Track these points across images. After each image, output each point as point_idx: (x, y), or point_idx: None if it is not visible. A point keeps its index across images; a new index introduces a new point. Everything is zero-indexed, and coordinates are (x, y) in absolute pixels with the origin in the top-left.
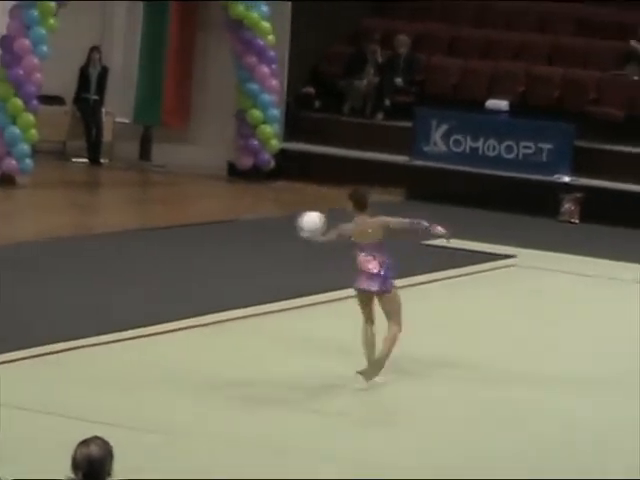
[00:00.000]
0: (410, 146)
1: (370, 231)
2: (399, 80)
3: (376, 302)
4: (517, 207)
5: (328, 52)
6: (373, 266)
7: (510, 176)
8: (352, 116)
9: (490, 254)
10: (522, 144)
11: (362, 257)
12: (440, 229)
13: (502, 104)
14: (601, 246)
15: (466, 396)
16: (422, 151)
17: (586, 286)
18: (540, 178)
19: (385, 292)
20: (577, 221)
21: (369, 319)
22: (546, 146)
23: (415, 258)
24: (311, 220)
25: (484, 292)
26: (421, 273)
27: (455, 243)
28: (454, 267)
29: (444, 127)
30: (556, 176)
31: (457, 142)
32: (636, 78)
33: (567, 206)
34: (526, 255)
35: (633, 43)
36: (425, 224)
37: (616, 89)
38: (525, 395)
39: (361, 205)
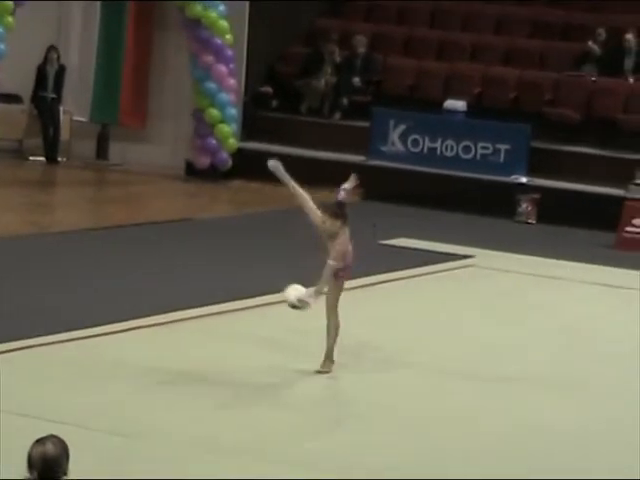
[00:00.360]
0: (367, 146)
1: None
2: (357, 80)
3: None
4: (475, 207)
5: (285, 52)
6: None
7: (468, 176)
8: (309, 116)
9: (448, 254)
10: (480, 144)
11: None
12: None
13: (459, 104)
14: (558, 246)
15: (417, 393)
16: (380, 151)
17: (542, 287)
18: (497, 179)
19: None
20: (534, 221)
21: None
22: (503, 147)
23: (373, 258)
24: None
25: (442, 292)
26: (379, 272)
27: (413, 243)
28: (412, 267)
29: (402, 127)
30: (513, 177)
31: (415, 142)
32: (593, 79)
33: (524, 206)
34: (484, 255)
35: (590, 44)
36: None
37: (572, 90)
38: (476, 393)
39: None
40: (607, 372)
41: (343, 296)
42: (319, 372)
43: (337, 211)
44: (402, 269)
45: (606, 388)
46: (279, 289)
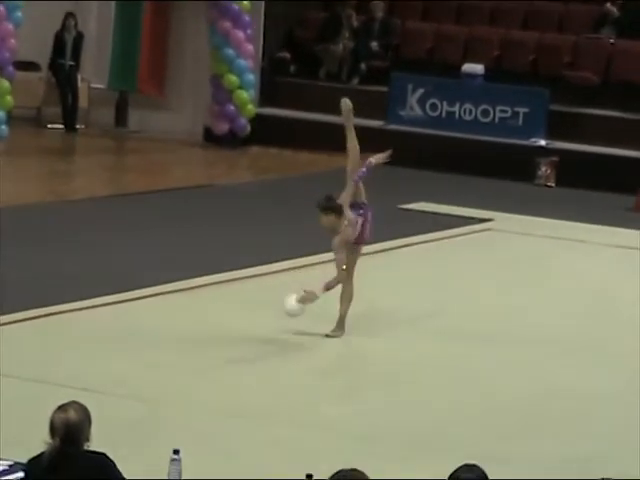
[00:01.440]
0: (386, 111)
1: None
2: (375, 45)
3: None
4: (494, 171)
5: (303, 16)
6: None
7: (486, 140)
8: (328, 81)
9: (467, 218)
10: (498, 108)
11: None
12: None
13: (478, 68)
14: (577, 210)
15: (434, 355)
16: (398, 116)
17: (562, 249)
18: (516, 142)
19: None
20: (553, 184)
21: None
22: (522, 110)
23: (392, 223)
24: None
25: (461, 256)
26: (398, 237)
27: (432, 207)
28: (431, 231)
29: (420, 91)
30: (532, 140)
31: (433, 106)
32: (611, 41)
33: (543, 170)
34: (503, 219)
35: (608, 6)
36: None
37: (591, 53)
38: (496, 357)
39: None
40: (628, 334)
41: (363, 260)
42: (327, 336)
43: (327, 205)
44: (421, 233)
45: (628, 350)
46: (299, 254)
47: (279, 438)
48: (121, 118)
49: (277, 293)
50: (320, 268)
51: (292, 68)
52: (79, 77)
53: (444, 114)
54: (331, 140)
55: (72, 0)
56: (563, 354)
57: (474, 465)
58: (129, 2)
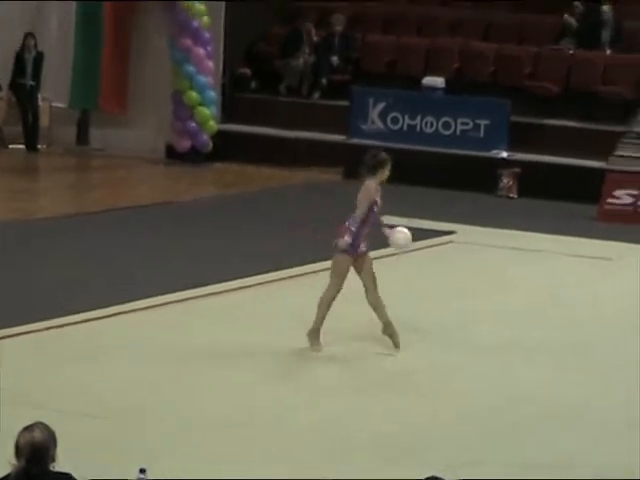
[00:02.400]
0: (348, 125)
1: (359, 195)
2: (335, 59)
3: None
4: (455, 183)
5: (263, 32)
6: (344, 228)
7: (448, 152)
8: (289, 96)
9: (429, 231)
10: (460, 120)
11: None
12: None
13: (438, 81)
14: (540, 220)
15: (404, 365)
16: (360, 129)
17: (525, 260)
18: (478, 154)
19: (339, 252)
20: (515, 196)
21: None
22: (483, 122)
23: None
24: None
25: (423, 268)
26: None
27: (394, 220)
28: None
29: (381, 105)
30: (494, 151)
31: (394, 120)
32: (571, 52)
33: (505, 181)
34: (465, 231)
35: (567, 17)
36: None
37: (551, 63)
38: (460, 364)
39: (367, 168)
40: (590, 343)
41: (323, 276)
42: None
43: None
44: (383, 247)
45: (589, 357)
46: (267, 269)
47: (258, 452)
48: (83, 136)
49: (248, 308)
50: (291, 282)
51: (253, 84)
52: (40, 96)
53: (405, 127)
54: (293, 155)
55: (32, 18)
56: (526, 361)
57: (440, 478)
58: (89, 21)
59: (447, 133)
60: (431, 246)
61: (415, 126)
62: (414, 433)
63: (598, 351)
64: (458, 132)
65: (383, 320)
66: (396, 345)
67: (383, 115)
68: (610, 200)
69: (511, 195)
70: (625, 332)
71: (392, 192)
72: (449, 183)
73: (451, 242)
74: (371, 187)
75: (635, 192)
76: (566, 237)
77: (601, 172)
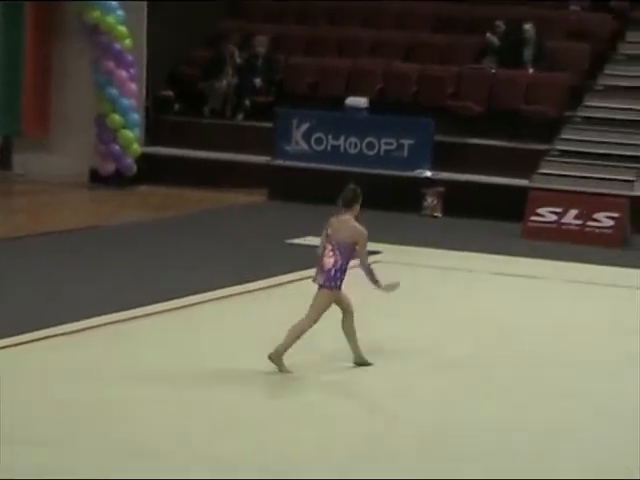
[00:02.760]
0: (272, 146)
1: (346, 231)
2: (258, 81)
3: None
4: (380, 203)
5: (187, 54)
6: (328, 262)
7: (372, 173)
8: (212, 118)
9: None
10: (383, 140)
11: (326, 251)
12: (383, 288)
13: (361, 101)
14: (464, 239)
15: (337, 385)
16: (284, 151)
17: (451, 279)
18: (402, 174)
19: (325, 288)
20: (440, 215)
21: (310, 321)
22: (407, 142)
23: (280, 258)
24: None
25: (350, 289)
26: (285, 272)
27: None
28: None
29: (305, 126)
30: (418, 171)
31: (318, 140)
32: (493, 71)
33: (429, 200)
34: (391, 251)
35: (489, 36)
36: (375, 279)
37: (474, 83)
38: (388, 387)
39: (345, 202)
40: (518, 363)
41: (254, 296)
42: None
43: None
44: (310, 268)
45: (517, 379)
46: (195, 291)
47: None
48: (5, 161)
49: (173, 331)
50: (217, 304)
51: (176, 106)
52: None
53: (329, 148)
54: (218, 177)
55: None
56: (454, 384)
57: None
58: (9, 44)
59: (371, 153)
60: (358, 266)
61: (339, 146)
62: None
63: (529, 367)
64: (382, 152)
65: (355, 350)
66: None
67: (307, 136)
68: (533, 218)
69: (435, 214)
70: (556, 347)
71: (316, 213)
72: (374, 203)
73: (377, 262)
74: (361, 228)
75: (558, 209)
76: (491, 255)
77: (525, 190)
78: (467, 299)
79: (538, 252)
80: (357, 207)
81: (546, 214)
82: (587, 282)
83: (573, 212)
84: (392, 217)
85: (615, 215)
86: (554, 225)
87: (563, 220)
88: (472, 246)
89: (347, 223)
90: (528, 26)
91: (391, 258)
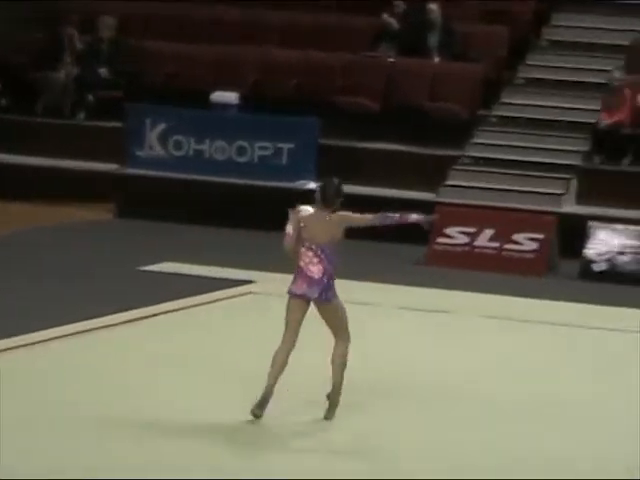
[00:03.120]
0: (120, 151)
1: (328, 231)
2: (104, 71)
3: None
4: (254, 221)
5: (16, 39)
6: (317, 270)
7: (245, 183)
8: (47, 116)
9: (223, 280)
10: (257, 144)
11: (307, 258)
12: (415, 217)
13: (231, 96)
14: (358, 265)
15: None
16: (135, 157)
17: None
18: (280, 185)
19: (326, 301)
20: None
21: (292, 336)
22: (286, 146)
23: (130, 288)
24: None
25: (215, 325)
26: (139, 306)
27: (180, 268)
28: (180, 297)
29: (161, 126)
30: (299, 182)
31: (178, 144)
32: (391, 60)
33: None
34: (266, 279)
35: (386, 17)
36: (396, 216)
37: (368, 74)
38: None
39: (326, 199)
40: (423, 401)
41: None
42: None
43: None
44: (166, 301)
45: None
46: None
47: None
48: None
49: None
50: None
51: (3, 101)
52: None
53: (191, 153)
54: (54, 189)
55: None
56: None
57: None
58: None
59: (243, 160)
60: (225, 298)
61: (203, 152)
62: None
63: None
64: (256, 159)
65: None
66: (327, 416)
67: (164, 139)
68: (440, 240)
69: None
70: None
71: (177, 233)
72: (246, 221)
73: (250, 293)
74: (339, 215)
75: (471, 229)
76: (389, 285)
77: (430, 205)
78: (360, 337)
79: (445, 281)
80: (338, 204)
81: (456, 235)
82: (503, 318)
83: (488, 233)
84: (268, 238)
85: (539, 236)
86: (465, 248)
87: (476, 242)
88: (366, 274)
89: (325, 221)
90: (433, 6)
91: (266, 288)
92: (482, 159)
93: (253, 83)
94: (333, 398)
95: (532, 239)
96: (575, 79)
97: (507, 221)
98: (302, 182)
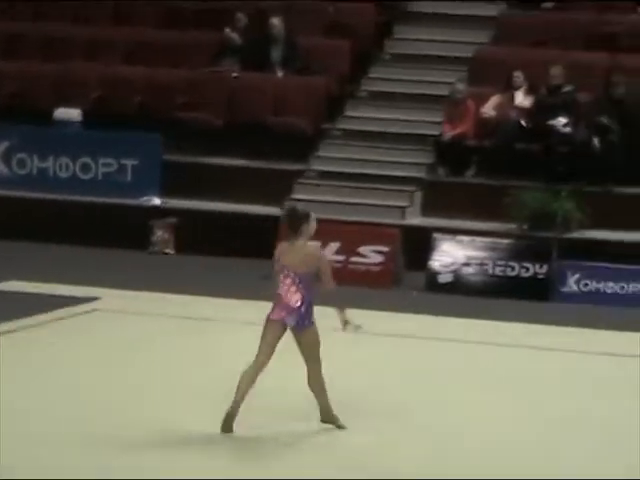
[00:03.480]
0: None
1: (303, 261)
2: None
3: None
4: (98, 239)
5: None
6: (295, 299)
7: (88, 201)
8: None
9: (68, 297)
10: (101, 161)
11: (286, 286)
12: (342, 317)
13: (73, 113)
14: (204, 281)
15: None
16: None
17: (187, 331)
18: (124, 202)
19: (303, 329)
20: (172, 251)
21: (264, 358)
22: (130, 162)
23: None
24: None
25: (60, 344)
26: None
27: (23, 286)
28: (22, 316)
29: (4, 145)
30: (144, 198)
31: (21, 162)
32: (234, 75)
33: (159, 234)
34: (112, 296)
35: (228, 32)
36: (345, 317)
37: (211, 90)
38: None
39: (294, 228)
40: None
41: None
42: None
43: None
44: (8, 320)
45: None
46: None
47: None
48: None
49: None
50: None
51: None
52: None
53: (35, 171)
54: None
55: None
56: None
57: None
58: None
59: (86, 177)
60: (70, 316)
61: (47, 169)
62: None
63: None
64: (100, 175)
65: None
66: (341, 427)
67: (7, 157)
68: None
69: (167, 251)
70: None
71: (20, 251)
72: (91, 239)
73: (95, 310)
74: (318, 252)
75: (317, 243)
76: (237, 301)
77: (276, 220)
78: (207, 355)
79: None
80: (309, 228)
81: None
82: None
83: (334, 246)
84: (113, 255)
85: (384, 249)
86: None
87: None
88: (213, 290)
89: (301, 251)
90: (276, 20)
91: (112, 306)
92: (326, 173)
93: (96, 99)
94: (328, 418)
95: (377, 252)
96: (418, 92)
97: (352, 234)
98: (146, 198)
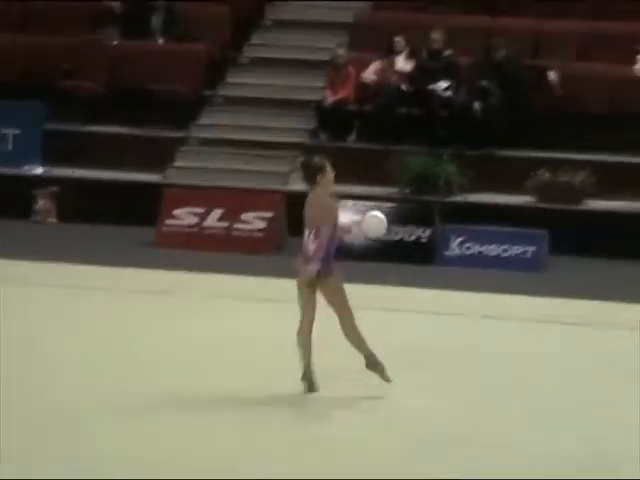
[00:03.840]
0: None
1: (314, 212)
2: None
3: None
4: None
5: None
6: (312, 249)
7: None
8: None
9: None
10: None
11: (306, 236)
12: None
13: None
14: (87, 249)
15: None
16: None
17: (76, 300)
18: (6, 171)
19: (323, 277)
20: (55, 220)
21: (308, 318)
22: (12, 131)
23: None
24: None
25: None
26: None
27: None
28: None
29: None
30: (26, 167)
31: None
32: (115, 43)
33: (41, 203)
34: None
35: (108, 1)
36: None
37: (92, 58)
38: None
39: (309, 179)
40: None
41: None
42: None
43: None
44: None
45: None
46: None
47: None
48: None
49: None
50: None
51: None
52: None
53: None
54: None
55: None
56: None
57: None
58: None
59: None
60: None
61: None
62: None
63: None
64: None
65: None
66: (387, 379)
67: None
68: (170, 221)
69: (49, 220)
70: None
71: None
72: None
73: None
74: (334, 207)
75: (200, 210)
76: (120, 268)
77: (159, 187)
78: (116, 321)
79: (174, 263)
80: (326, 179)
81: (185, 216)
82: (223, 296)
83: (217, 213)
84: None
85: (267, 215)
86: (195, 229)
87: (205, 223)
88: (96, 258)
89: (317, 202)
90: None
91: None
92: (208, 140)
93: None
94: (374, 367)
95: (260, 218)
96: (300, 57)
97: (235, 201)
98: (28, 167)
